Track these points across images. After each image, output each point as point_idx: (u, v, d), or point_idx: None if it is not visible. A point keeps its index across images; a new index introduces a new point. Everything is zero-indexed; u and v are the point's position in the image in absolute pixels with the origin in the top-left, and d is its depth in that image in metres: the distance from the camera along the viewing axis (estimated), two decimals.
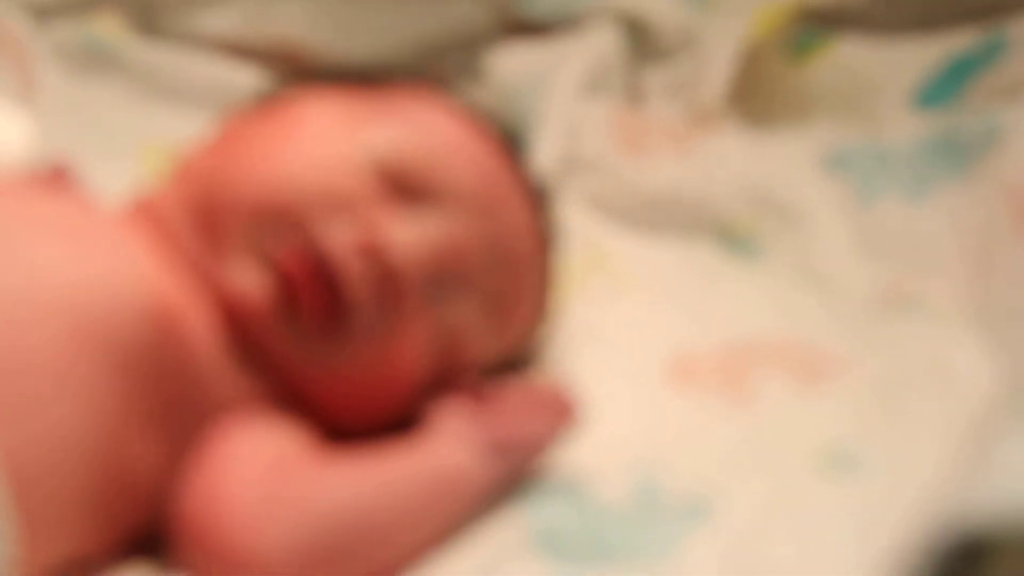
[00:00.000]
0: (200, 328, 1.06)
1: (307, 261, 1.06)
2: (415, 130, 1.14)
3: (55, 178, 1.19)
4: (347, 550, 1.02)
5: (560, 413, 1.11)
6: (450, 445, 1.08)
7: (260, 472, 1.03)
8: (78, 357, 0.99)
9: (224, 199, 1.09)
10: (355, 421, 1.12)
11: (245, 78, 1.59)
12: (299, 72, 1.53)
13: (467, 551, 1.05)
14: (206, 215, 1.10)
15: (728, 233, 1.46)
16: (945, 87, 1.50)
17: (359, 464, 1.05)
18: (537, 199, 1.20)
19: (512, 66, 1.61)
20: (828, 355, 1.28)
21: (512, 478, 1.09)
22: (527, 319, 1.20)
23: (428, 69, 1.25)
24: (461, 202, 1.12)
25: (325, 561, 1.01)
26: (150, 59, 1.60)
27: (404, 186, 1.11)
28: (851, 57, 1.61)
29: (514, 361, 1.22)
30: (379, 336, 1.08)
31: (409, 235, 1.09)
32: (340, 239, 1.07)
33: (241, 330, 1.08)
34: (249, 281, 1.07)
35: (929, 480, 1.09)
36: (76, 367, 0.99)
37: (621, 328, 1.32)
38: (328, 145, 1.11)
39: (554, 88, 1.56)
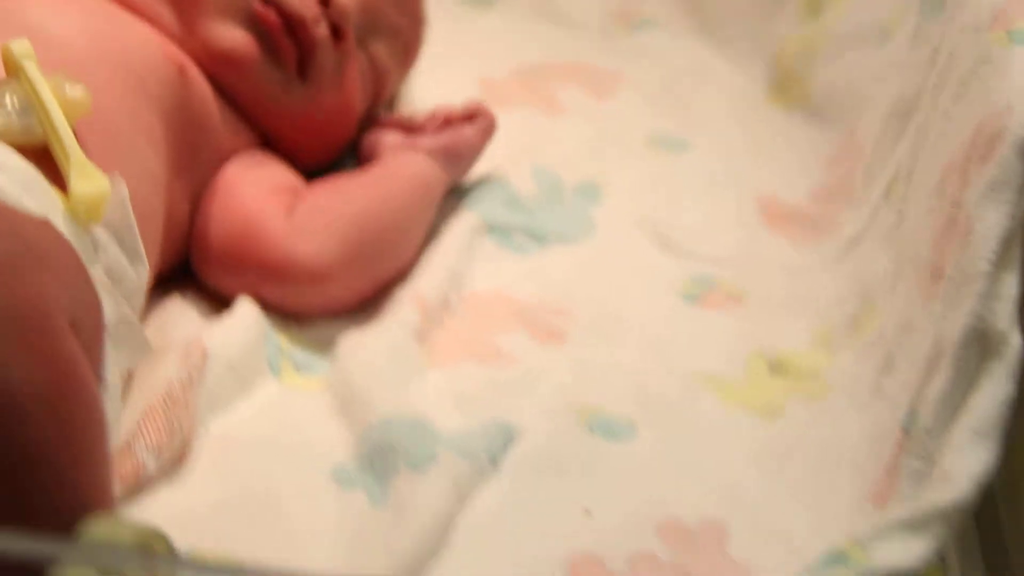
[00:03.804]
0: (202, 84, 1.24)
1: (280, 13, 1.26)
2: None
3: None
4: (376, 247, 1.25)
5: (484, 123, 1.35)
6: (410, 159, 1.31)
7: (278, 195, 1.25)
8: (140, 107, 1.16)
9: None
10: (318, 158, 1.33)
11: None
12: None
13: (441, 244, 1.29)
14: None
15: None
16: None
17: (357, 181, 1.28)
18: None
19: None
20: (607, 70, 1.58)
21: (458, 180, 1.35)
22: (416, 55, 1.43)
23: None
24: None
25: (363, 258, 1.24)
26: None
27: None
28: None
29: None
30: (334, 73, 1.30)
31: None
32: None
33: (228, 84, 1.26)
34: (234, 37, 1.26)
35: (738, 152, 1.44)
36: (141, 116, 1.16)
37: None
38: None
39: None
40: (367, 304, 1.25)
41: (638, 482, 1.08)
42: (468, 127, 1.34)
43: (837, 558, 0.85)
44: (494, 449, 1.10)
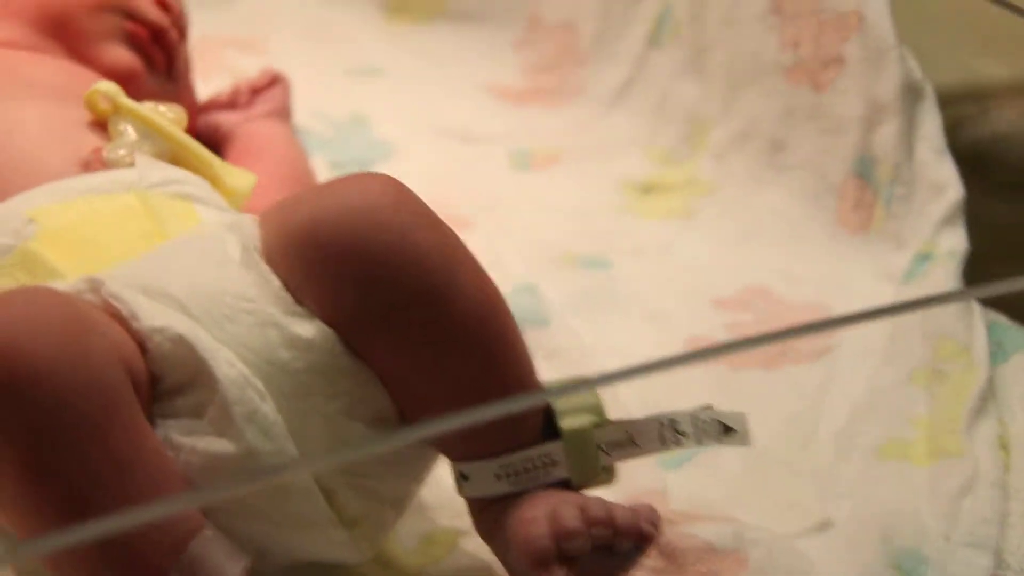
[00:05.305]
0: None
1: (146, 27, 1.42)
2: None
3: None
4: None
5: (285, 83, 1.56)
6: (267, 125, 1.51)
7: None
8: None
9: (74, 7, 1.38)
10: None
11: None
12: None
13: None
14: (56, 25, 1.38)
15: None
16: None
17: (267, 153, 1.46)
18: None
19: None
20: (242, 36, 1.78)
21: None
22: None
23: None
24: None
25: None
26: None
27: None
28: None
29: None
30: (186, 69, 1.46)
31: None
32: (149, 5, 1.42)
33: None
34: (123, 56, 1.40)
35: (420, 61, 1.73)
36: None
37: None
38: None
39: None
40: None
41: (670, 285, 1.38)
42: (277, 88, 1.55)
43: None
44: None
